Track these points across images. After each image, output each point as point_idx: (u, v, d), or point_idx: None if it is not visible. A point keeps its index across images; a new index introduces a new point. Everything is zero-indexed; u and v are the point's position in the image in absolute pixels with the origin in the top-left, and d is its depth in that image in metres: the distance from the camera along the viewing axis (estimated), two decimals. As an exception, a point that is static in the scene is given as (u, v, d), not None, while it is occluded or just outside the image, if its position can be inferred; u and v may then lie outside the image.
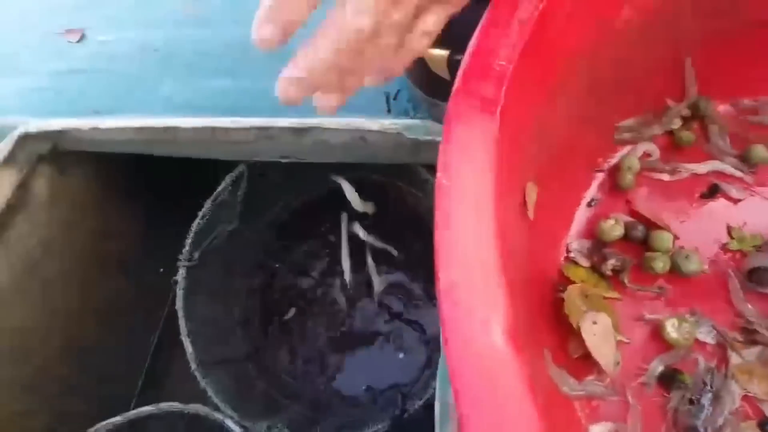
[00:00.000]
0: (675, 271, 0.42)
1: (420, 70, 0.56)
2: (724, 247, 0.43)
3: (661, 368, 0.38)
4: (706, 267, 0.42)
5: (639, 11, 0.39)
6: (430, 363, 0.74)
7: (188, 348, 0.61)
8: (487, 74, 0.24)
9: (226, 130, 0.55)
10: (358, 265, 0.83)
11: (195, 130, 0.56)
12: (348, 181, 0.74)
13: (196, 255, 0.65)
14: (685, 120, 0.48)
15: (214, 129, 0.55)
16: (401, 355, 0.80)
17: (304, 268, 0.87)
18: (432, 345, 0.75)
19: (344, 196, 0.75)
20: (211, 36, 0.76)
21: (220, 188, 0.68)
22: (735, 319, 0.40)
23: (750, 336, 0.39)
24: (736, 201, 0.45)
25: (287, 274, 0.86)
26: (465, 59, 0.26)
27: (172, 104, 0.68)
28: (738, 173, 0.46)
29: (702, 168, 0.47)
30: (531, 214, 0.36)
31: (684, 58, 0.47)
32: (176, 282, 0.64)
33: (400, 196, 0.77)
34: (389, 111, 0.60)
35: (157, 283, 0.85)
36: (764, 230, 0.43)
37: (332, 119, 0.54)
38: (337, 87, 0.26)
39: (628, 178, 0.46)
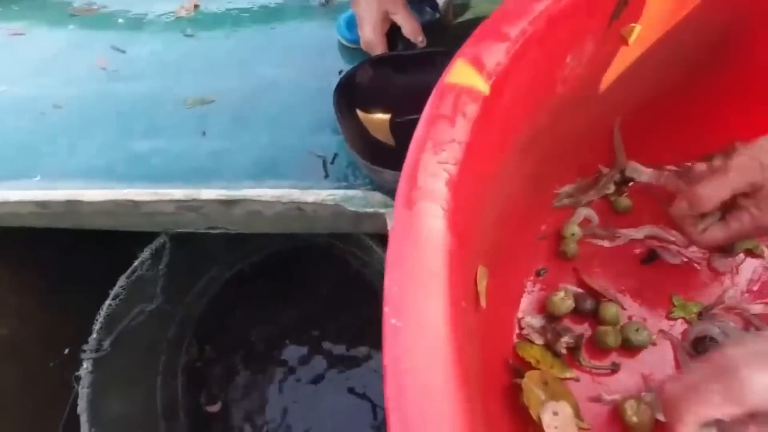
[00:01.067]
0: (627, 344, 0.41)
1: (359, 135, 0.54)
2: (669, 316, 0.43)
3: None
4: (655, 337, 0.41)
5: (570, 87, 0.39)
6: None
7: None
8: (435, 176, 0.22)
9: (145, 203, 0.49)
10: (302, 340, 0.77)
11: (109, 203, 0.49)
12: (289, 248, 0.70)
13: (107, 344, 0.56)
14: (619, 185, 0.50)
15: (134, 202, 0.48)
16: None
17: (239, 344, 0.79)
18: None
19: (284, 260, 0.70)
20: (126, 92, 0.70)
21: (137, 262, 0.60)
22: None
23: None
24: (673, 266, 0.45)
25: (218, 353, 0.77)
26: (408, 163, 0.23)
27: (82, 169, 0.60)
28: (671, 237, 0.47)
29: (638, 233, 0.47)
30: (483, 301, 0.33)
31: (612, 126, 0.49)
32: (78, 378, 0.55)
33: (343, 258, 0.72)
34: (327, 176, 0.57)
35: (55, 376, 0.72)
36: (703, 297, 0.44)
37: (265, 190, 0.50)
38: None
39: (571, 246, 0.46)
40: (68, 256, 0.78)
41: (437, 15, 0.68)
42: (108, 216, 0.53)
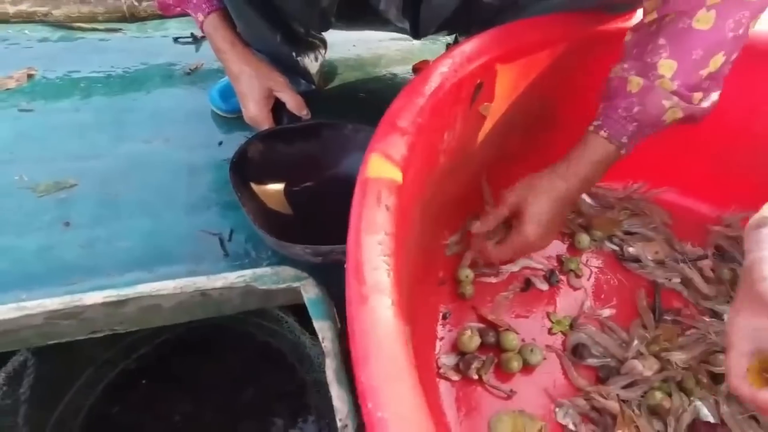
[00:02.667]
0: (526, 364, 0.48)
1: (261, 211, 0.54)
2: (550, 332, 0.52)
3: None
4: (544, 353, 0.49)
5: (449, 157, 0.46)
6: None
7: None
8: (378, 269, 0.24)
9: (6, 321, 0.41)
10: None
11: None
12: (179, 332, 0.64)
13: None
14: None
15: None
16: None
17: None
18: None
19: (178, 347, 0.63)
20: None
21: (-12, 393, 0.48)
22: (577, 392, 0.48)
23: (590, 402, 0.47)
24: (543, 291, 0.55)
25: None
26: (351, 261, 0.25)
27: None
28: (538, 264, 0.57)
29: (515, 266, 0.57)
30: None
31: (481, 180, 0.58)
32: None
33: (247, 331, 0.69)
34: (227, 254, 0.55)
35: None
36: (570, 310, 0.54)
37: (165, 283, 0.46)
38: None
39: (467, 288, 0.53)
40: None
41: (312, 86, 0.72)
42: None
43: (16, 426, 0.52)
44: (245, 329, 0.72)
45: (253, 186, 0.55)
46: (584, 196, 0.65)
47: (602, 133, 0.46)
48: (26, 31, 0.78)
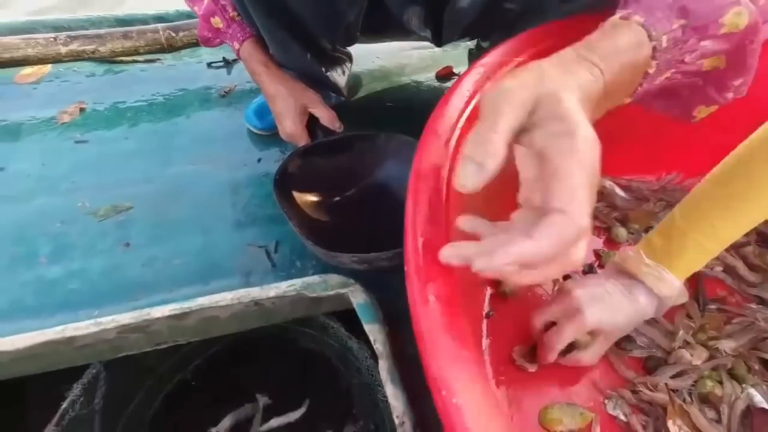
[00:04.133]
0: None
1: (306, 223, 0.57)
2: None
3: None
4: (589, 347, 0.50)
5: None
6: None
7: None
8: (435, 265, 0.26)
9: (85, 336, 0.45)
10: None
11: (38, 346, 0.43)
12: (228, 342, 0.67)
13: None
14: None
15: (69, 339, 0.44)
16: None
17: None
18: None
19: (228, 357, 0.67)
20: (15, 214, 0.63)
21: (66, 404, 0.52)
22: (625, 384, 0.48)
23: (638, 395, 0.47)
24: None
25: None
26: (411, 261, 0.27)
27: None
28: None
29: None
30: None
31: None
32: None
33: (293, 339, 0.72)
34: (274, 265, 0.58)
35: None
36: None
37: (222, 295, 0.49)
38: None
39: (508, 287, 0.54)
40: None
41: (342, 98, 0.75)
42: (31, 360, 0.47)
43: (91, 433, 0.56)
44: (289, 337, 0.75)
45: (296, 199, 0.58)
46: (618, 190, 0.65)
47: (636, 18, 0.31)
48: (75, 69, 0.84)
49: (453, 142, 0.37)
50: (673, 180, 0.67)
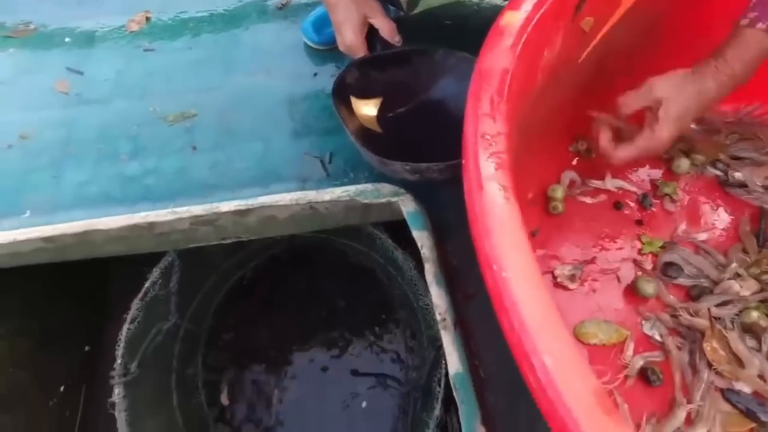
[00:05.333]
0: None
1: (362, 132, 0.58)
2: (640, 252, 0.53)
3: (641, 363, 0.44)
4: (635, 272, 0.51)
5: (545, 74, 0.47)
6: (405, 413, 0.74)
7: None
8: (492, 164, 0.27)
9: (163, 223, 0.50)
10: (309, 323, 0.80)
11: (125, 228, 0.49)
12: (284, 248, 0.72)
13: (133, 367, 0.57)
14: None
15: (151, 224, 0.49)
16: (364, 404, 0.78)
17: (247, 348, 0.81)
18: (403, 394, 0.75)
19: (283, 262, 0.73)
20: (97, 115, 0.68)
21: (148, 284, 0.60)
22: (665, 309, 0.49)
23: (676, 320, 0.48)
24: (636, 213, 0.55)
25: (227, 359, 0.79)
26: (470, 155, 0.28)
27: (76, 199, 0.58)
28: (633, 188, 0.57)
29: (610, 185, 0.57)
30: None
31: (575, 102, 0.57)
32: (113, 404, 0.55)
33: (342, 251, 0.77)
34: (328, 174, 0.61)
35: (56, 415, 0.71)
36: (662, 234, 0.54)
37: (282, 195, 0.53)
38: None
39: (558, 205, 0.54)
40: (52, 295, 0.75)
41: (401, 12, 0.73)
42: (119, 242, 0.54)
43: (169, 312, 0.64)
44: (339, 249, 0.80)
45: (352, 109, 0.59)
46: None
47: (760, 25, 0.41)
48: (139, -23, 0.85)
49: (519, 49, 0.37)
50: (752, 112, 0.62)
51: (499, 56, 0.34)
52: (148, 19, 0.81)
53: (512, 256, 0.24)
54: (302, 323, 0.83)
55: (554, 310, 0.23)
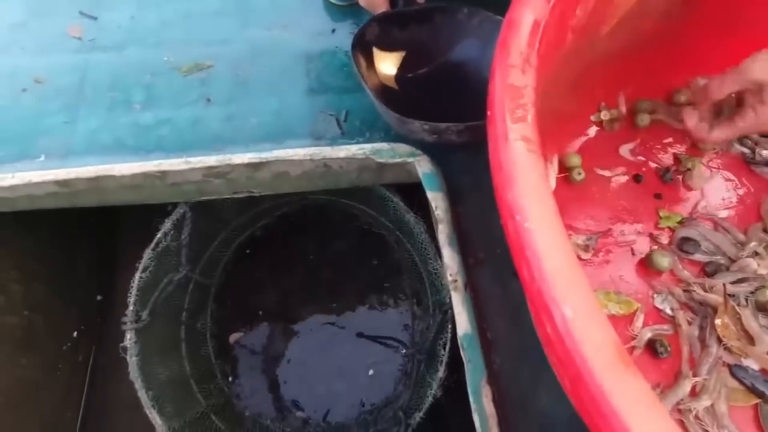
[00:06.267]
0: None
1: (381, 89, 0.57)
2: (657, 226, 0.52)
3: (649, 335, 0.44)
4: (650, 246, 0.50)
5: (576, 35, 0.45)
6: (408, 374, 0.75)
7: (156, 420, 0.54)
8: (520, 117, 0.26)
9: (176, 172, 0.50)
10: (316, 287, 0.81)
11: (139, 176, 0.49)
12: (294, 208, 0.72)
13: (145, 314, 0.58)
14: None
15: (164, 173, 0.49)
16: (371, 372, 0.80)
17: (256, 304, 0.82)
18: (407, 357, 0.76)
19: (293, 221, 0.72)
20: (111, 62, 0.67)
21: (160, 234, 0.61)
22: (679, 283, 0.48)
23: (689, 294, 0.48)
24: (656, 187, 0.54)
25: (236, 314, 0.80)
26: (497, 107, 0.27)
27: (89, 146, 0.58)
28: (653, 163, 0.55)
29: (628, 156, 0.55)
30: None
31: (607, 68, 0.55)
32: (125, 349, 0.56)
33: (352, 213, 0.76)
34: (343, 133, 0.60)
35: (69, 359, 0.73)
36: (681, 209, 0.53)
37: (296, 150, 0.52)
38: None
39: (578, 175, 0.53)
40: (65, 243, 0.76)
41: (426, -32, 0.70)
42: (132, 190, 0.54)
43: (180, 264, 0.65)
44: (349, 212, 0.80)
45: (371, 65, 0.57)
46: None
47: None
48: None
49: (552, 1, 0.35)
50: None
51: (531, 6, 0.33)
52: (163, -35, 0.79)
53: (535, 206, 0.23)
54: (309, 284, 0.84)
55: (576, 263, 0.22)
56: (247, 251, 0.81)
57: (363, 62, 0.56)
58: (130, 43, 0.69)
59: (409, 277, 0.78)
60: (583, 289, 0.21)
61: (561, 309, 0.20)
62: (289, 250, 0.82)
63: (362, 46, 0.56)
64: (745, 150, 0.57)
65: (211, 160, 0.51)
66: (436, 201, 0.48)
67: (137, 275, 0.58)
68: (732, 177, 0.56)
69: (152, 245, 0.60)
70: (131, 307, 0.57)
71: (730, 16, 0.54)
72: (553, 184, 0.53)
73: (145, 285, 0.59)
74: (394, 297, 0.80)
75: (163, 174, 0.51)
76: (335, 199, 0.77)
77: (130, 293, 0.58)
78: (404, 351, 0.73)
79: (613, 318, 0.47)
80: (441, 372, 0.53)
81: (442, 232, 0.46)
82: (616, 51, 0.54)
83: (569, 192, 0.54)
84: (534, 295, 0.22)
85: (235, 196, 0.59)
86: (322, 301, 0.84)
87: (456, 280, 0.44)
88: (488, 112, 0.29)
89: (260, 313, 0.84)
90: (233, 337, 0.82)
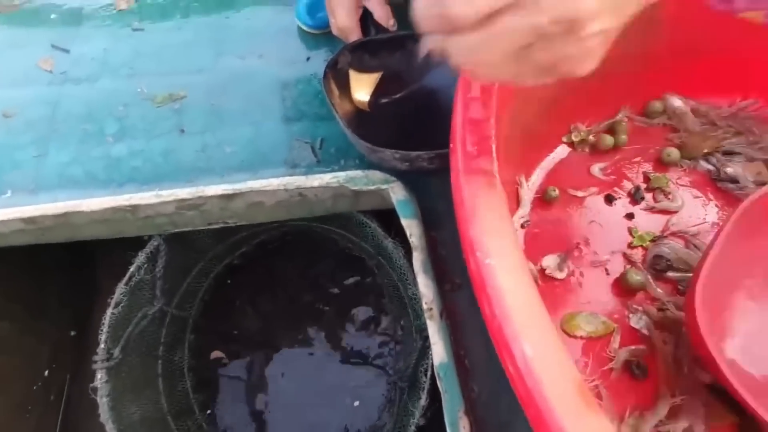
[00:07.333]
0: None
1: (353, 118, 0.57)
2: (630, 245, 0.52)
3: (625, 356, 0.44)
4: (624, 265, 0.51)
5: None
6: (392, 401, 0.74)
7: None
8: (481, 148, 0.27)
9: (148, 206, 0.49)
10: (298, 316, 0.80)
11: (109, 210, 0.48)
12: (273, 235, 0.72)
13: (116, 352, 0.56)
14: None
15: (135, 207, 0.48)
16: (356, 403, 0.78)
17: (236, 335, 0.80)
18: (390, 384, 0.75)
19: (272, 248, 0.72)
20: (83, 95, 0.66)
21: (133, 268, 0.59)
22: (654, 302, 0.49)
23: (663, 313, 0.48)
24: (627, 206, 0.55)
25: (217, 345, 0.78)
26: (458, 139, 0.27)
27: (58, 180, 0.57)
28: (626, 182, 0.57)
29: (602, 176, 0.56)
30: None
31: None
32: (95, 389, 0.54)
33: (331, 238, 0.76)
34: (318, 161, 0.60)
35: (41, 399, 0.70)
36: (655, 228, 0.54)
37: (269, 180, 0.52)
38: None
39: (552, 193, 0.54)
40: (35, 277, 0.74)
41: (397, -3, 0.72)
42: (103, 224, 0.53)
43: (155, 297, 0.63)
44: (329, 236, 0.79)
45: (343, 94, 0.58)
46: (690, 113, 0.60)
47: None
48: (129, -47, 0.83)
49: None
50: (748, 107, 0.61)
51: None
52: (137, -3, 0.79)
53: (496, 242, 0.23)
54: (291, 311, 0.83)
55: (537, 299, 0.22)
56: (228, 281, 0.79)
57: (336, 90, 0.56)
58: (103, 74, 0.68)
59: (391, 302, 0.78)
60: (543, 327, 0.21)
61: (521, 347, 0.20)
62: (270, 276, 0.81)
63: (335, 74, 0.57)
64: (711, 167, 0.58)
65: (183, 192, 0.50)
66: (411, 228, 0.48)
67: (109, 311, 0.57)
68: (700, 194, 0.57)
69: (125, 279, 0.58)
70: (102, 345, 0.55)
71: (690, 42, 0.57)
72: (527, 204, 0.54)
73: (117, 321, 0.57)
74: (377, 322, 0.79)
75: (134, 208, 0.50)
76: (315, 225, 0.76)
77: (101, 330, 0.56)
78: (387, 378, 0.72)
79: (590, 340, 0.47)
80: (423, 400, 0.52)
81: (417, 259, 0.46)
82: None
83: (544, 213, 0.54)
84: (495, 332, 0.22)
85: (210, 227, 0.58)
86: (305, 327, 0.83)
87: (431, 308, 0.44)
88: (450, 145, 0.29)
89: (241, 342, 0.82)
90: (214, 354, 0.80)
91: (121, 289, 0.58)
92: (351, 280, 0.81)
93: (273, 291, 0.82)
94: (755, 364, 0.39)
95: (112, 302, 0.57)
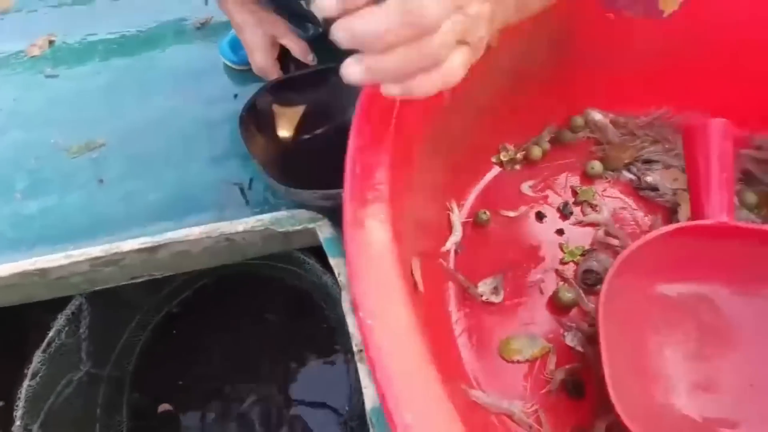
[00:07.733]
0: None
1: (271, 160, 0.56)
2: (562, 261, 0.53)
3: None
4: (558, 282, 0.51)
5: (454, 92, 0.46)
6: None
7: None
8: (373, 197, 0.26)
9: (58, 268, 0.46)
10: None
11: (14, 276, 0.45)
12: (216, 279, 0.69)
13: (35, 428, 0.51)
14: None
15: (43, 270, 0.45)
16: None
17: (179, 388, 0.76)
18: (341, 424, 0.72)
19: (213, 292, 0.69)
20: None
21: (52, 333, 0.55)
22: (586, 318, 0.49)
23: (595, 328, 0.48)
24: (556, 222, 0.56)
25: (160, 402, 0.74)
26: (348, 188, 0.27)
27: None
28: (555, 197, 0.58)
29: (531, 192, 0.57)
30: (421, 287, 0.39)
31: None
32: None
33: (276, 275, 0.74)
34: (247, 202, 0.58)
35: None
36: (584, 241, 0.54)
37: (191, 229, 0.49)
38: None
39: (484, 216, 0.54)
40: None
41: (320, 29, 0.72)
42: (10, 290, 0.49)
43: (80, 361, 0.59)
44: (274, 274, 0.77)
45: (264, 136, 0.57)
46: (610, 125, 0.62)
47: None
48: (43, -2, 0.80)
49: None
50: (661, 116, 0.64)
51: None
52: (51, 42, 0.76)
53: (379, 301, 0.22)
54: (238, 354, 0.79)
55: (425, 363, 0.21)
56: (166, 331, 0.75)
57: (256, 132, 0.55)
58: (12, 126, 0.65)
59: (341, 337, 0.76)
60: (428, 393, 0.20)
61: (402, 414, 0.19)
62: (212, 321, 0.77)
63: (254, 116, 0.55)
64: (632, 176, 0.60)
65: (96, 250, 0.47)
66: (339, 267, 0.46)
67: (25, 383, 0.52)
68: (625, 204, 0.59)
69: (42, 346, 0.54)
70: (18, 423, 0.51)
71: (599, 55, 0.59)
72: (458, 230, 0.53)
73: (36, 393, 0.52)
74: (327, 358, 0.76)
75: (43, 272, 0.47)
76: (258, 262, 0.74)
77: (17, 406, 0.51)
78: (338, 417, 0.70)
79: (528, 363, 0.47)
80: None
81: (345, 299, 0.45)
82: (505, 92, 0.56)
83: (477, 238, 0.54)
84: (380, 396, 0.21)
85: (135, 281, 0.55)
86: (253, 369, 0.79)
87: (361, 350, 0.42)
88: (343, 195, 0.28)
89: (190, 392, 0.77)
90: (162, 408, 0.75)
91: (38, 357, 0.53)
92: (299, 317, 0.79)
93: (218, 336, 0.78)
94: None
95: (29, 373, 0.53)
